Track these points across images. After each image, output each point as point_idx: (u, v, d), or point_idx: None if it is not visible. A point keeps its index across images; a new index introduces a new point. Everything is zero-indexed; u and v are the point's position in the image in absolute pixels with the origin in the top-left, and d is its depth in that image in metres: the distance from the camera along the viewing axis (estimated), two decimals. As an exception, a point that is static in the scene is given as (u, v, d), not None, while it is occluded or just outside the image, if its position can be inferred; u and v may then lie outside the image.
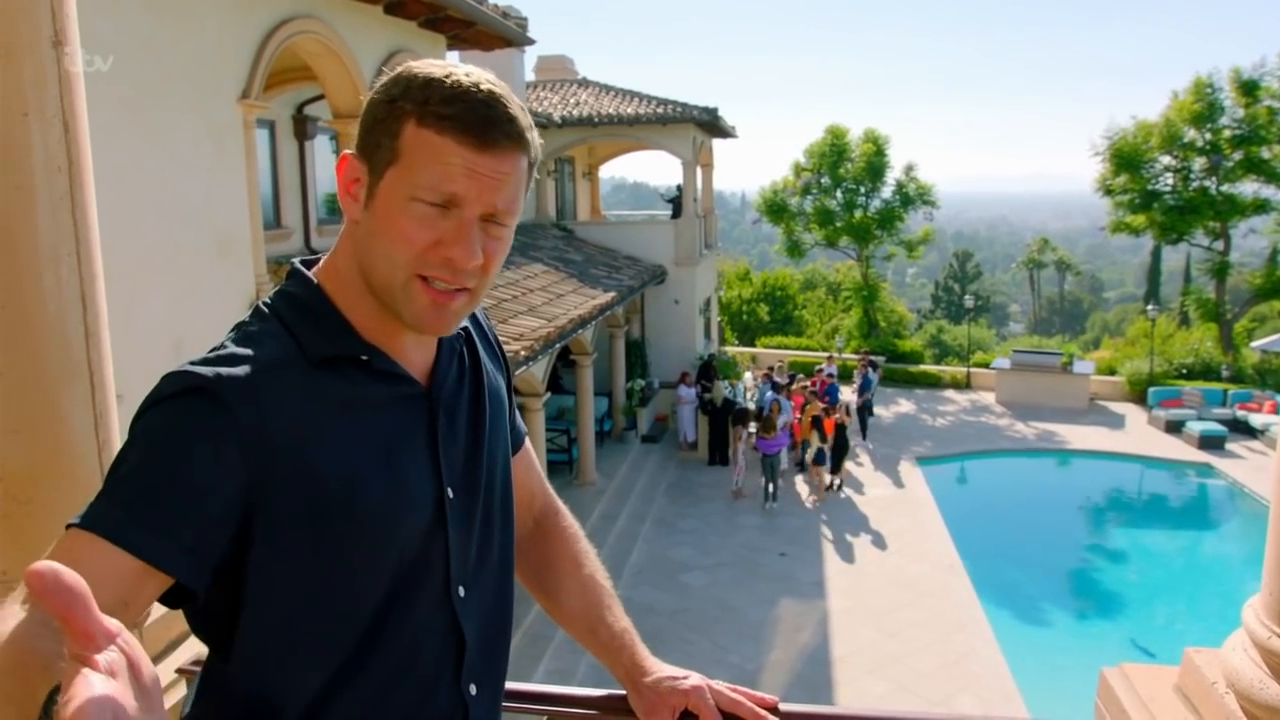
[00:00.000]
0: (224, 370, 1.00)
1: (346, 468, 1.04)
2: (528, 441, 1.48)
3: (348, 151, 1.10)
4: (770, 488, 14.85)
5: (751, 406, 16.65)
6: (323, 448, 1.03)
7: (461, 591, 1.18)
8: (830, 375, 19.20)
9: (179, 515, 0.95)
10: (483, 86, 1.03)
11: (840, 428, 15.49)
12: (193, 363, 1.02)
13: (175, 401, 0.99)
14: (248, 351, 1.03)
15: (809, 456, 15.22)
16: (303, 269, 1.15)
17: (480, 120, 1.01)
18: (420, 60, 1.08)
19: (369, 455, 1.07)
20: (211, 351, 1.04)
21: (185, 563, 0.95)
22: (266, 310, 1.11)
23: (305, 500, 1.02)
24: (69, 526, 0.94)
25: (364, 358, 1.09)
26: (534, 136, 1.08)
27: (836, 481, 15.56)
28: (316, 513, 1.02)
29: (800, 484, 15.86)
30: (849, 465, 16.92)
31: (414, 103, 1.02)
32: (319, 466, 1.03)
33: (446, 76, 1.03)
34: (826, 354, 23.02)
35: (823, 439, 14.89)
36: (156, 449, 0.97)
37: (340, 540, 1.05)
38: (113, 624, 0.63)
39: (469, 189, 1.02)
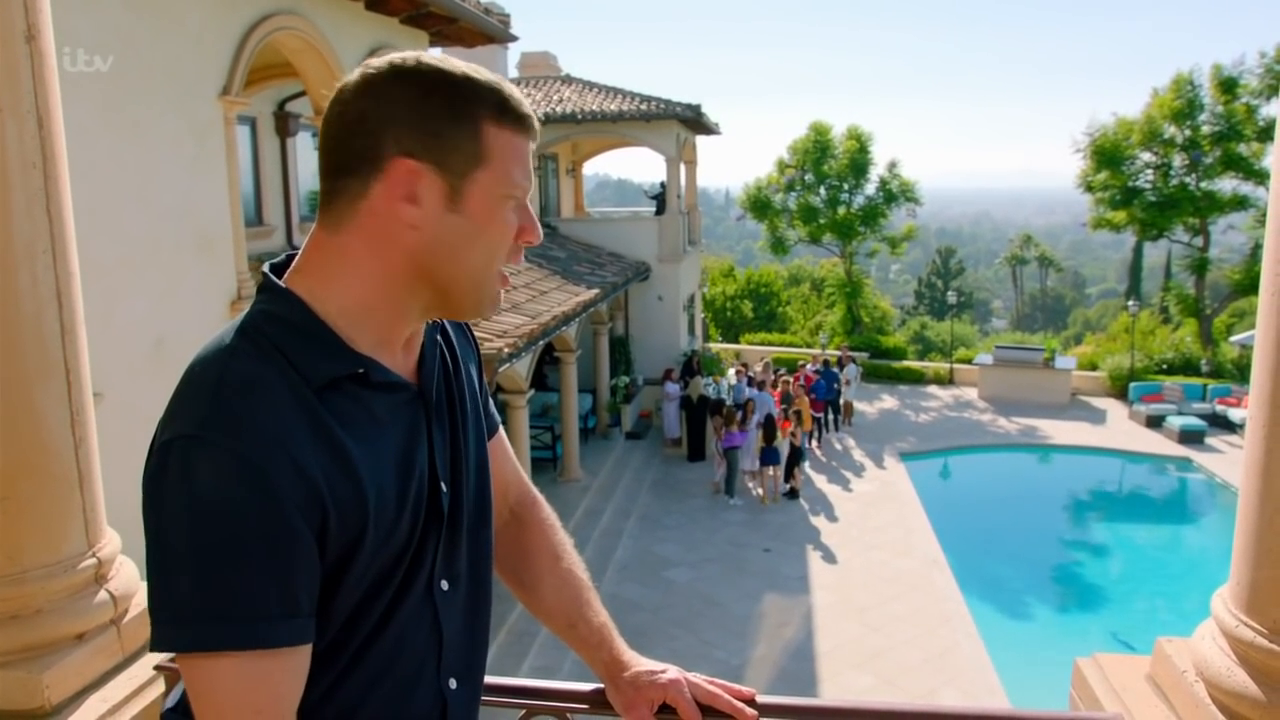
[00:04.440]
0: (248, 434, 0.97)
1: (378, 490, 1.06)
2: (501, 430, 1.47)
3: (405, 158, 1.04)
4: (729, 481, 14.87)
5: (727, 401, 16.67)
6: (355, 476, 1.03)
7: (444, 585, 1.19)
8: (816, 372, 19.24)
9: (297, 594, 1.00)
10: (515, 87, 1.12)
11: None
12: (206, 421, 0.98)
13: (217, 485, 0.96)
14: (258, 397, 1.00)
15: (754, 455, 14.95)
16: (277, 281, 1.10)
17: (532, 121, 1.11)
18: (419, 53, 1.08)
19: (391, 472, 1.09)
20: (216, 394, 0.99)
21: (313, 626, 1.03)
22: (254, 334, 1.05)
23: (347, 528, 1.03)
24: (200, 650, 0.97)
25: (361, 371, 1.08)
26: None
27: (789, 487, 15.36)
28: (355, 535, 1.04)
29: (780, 482, 15.86)
30: (837, 464, 16.98)
31: (488, 105, 1.06)
32: (356, 496, 1.03)
33: (492, 77, 1.10)
34: (814, 352, 23.07)
35: (770, 438, 14.82)
36: (233, 543, 0.95)
37: (365, 554, 1.06)
38: None
39: (529, 183, 1.12)
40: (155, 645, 0.99)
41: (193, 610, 0.96)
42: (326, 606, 1.06)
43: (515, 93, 1.09)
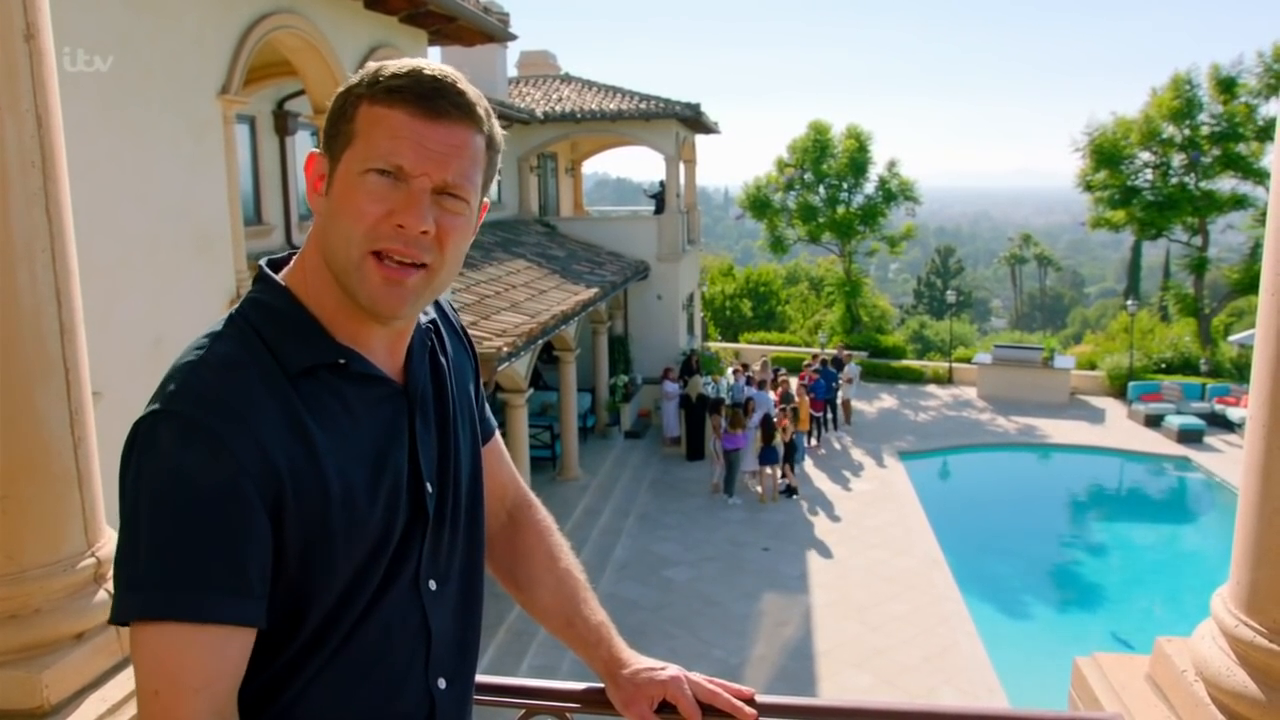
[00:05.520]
0: (212, 406, 0.99)
1: (343, 480, 1.06)
2: (497, 434, 1.48)
3: (314, 150, 1.12)
4: (728, 481, 14.86)
5: (726, 400, 16.65)
6: (319, 464, 1.04)
7: (432, 585, 1.19)
8: (816, 371, 19.22)
9: (246, 571, 0.99)
10: (433, 68, 1.06)
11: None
12: (175, 395, 1.01)
13: (176, 454, 0.98)
14: (228, 375, 1.03)
15: (754, 455, 14.96)
16: (270, 273, 1.14)
17: (426, 92, 1.04)
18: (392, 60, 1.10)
19: (361, 464, 1.09)
20: (190, 373, 1.03)
21: (264, 610, 1.02)
22: (240, 321, 1.09)
23: (308, 515, 1.04)
24: (138, 619, 0.97)
25: (341, 361, 1.09)
26: (489, 117, 1.10)
27: (786, 484, 15.31)
28: (317, 523, 1.04)
29: (779, 479, 15.84)
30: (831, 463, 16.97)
31: (366, 85, 1.06)
32: (319, 483, 1.04)
33: (401, 64, 1.06)
34: (813, 351, 23.12)
35: (770, 438, 14.81)
36: (184, 510, 0.97)
37: (334, 545, 1.06)
38: None
39: (417, 160, 1.03)
40: (111, 616, 0.99)
41: (141, 578, 0.96)
42: (305, 596, 1.06)
43: (402, 67, 1.05)
